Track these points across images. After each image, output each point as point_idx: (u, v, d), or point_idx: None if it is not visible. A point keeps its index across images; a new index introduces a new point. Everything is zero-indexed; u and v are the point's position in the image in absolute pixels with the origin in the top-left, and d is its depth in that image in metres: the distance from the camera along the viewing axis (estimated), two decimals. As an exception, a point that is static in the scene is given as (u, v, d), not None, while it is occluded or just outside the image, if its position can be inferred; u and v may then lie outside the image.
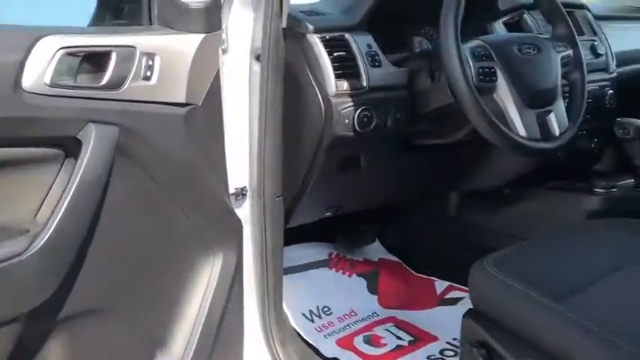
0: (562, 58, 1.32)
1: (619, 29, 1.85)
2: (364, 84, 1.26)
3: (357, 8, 1.33)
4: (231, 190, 1.22)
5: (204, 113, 1.10)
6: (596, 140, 1.68)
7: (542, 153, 1.24)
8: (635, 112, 1.75)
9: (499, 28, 1.52)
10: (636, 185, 1.58)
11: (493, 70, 1.20)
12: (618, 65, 1.73)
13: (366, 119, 1.26)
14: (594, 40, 1.66)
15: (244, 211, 1.26)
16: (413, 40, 1.28)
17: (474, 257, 1.73)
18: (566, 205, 1.58)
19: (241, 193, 1.26)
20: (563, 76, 1.32)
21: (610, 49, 1.72)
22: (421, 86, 1.33)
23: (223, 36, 1.13)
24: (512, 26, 1.56)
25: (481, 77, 1.19)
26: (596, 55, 1.64)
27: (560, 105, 1.29)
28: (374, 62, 1.29)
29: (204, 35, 1.07)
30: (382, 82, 1.29)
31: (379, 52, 1.30)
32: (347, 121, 1.25)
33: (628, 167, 1.61)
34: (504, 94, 1.21)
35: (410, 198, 1.71)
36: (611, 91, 1.66)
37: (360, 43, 1.29)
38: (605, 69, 1.67)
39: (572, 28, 1.37)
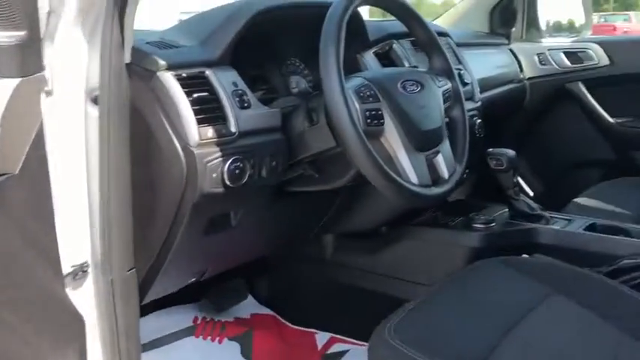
0: (443, 93, 1.23)
1: (472, 55, 1.85)
2: (233, 129, 1.06)
3: (218, 39, 1.12)
4: (67, 269, 0.95)
5: (23, 182, 0.83)
6: (467, 171, 1.64)
7: (435, 199, 1.13)
8: (495, 139, 1.75)
9: (370, 59, 1.40)
10: (511, 216, 1.55)
11: (380, 112, 1.07)
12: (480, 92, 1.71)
13: (237, 171, 1.06)
14: (460, 69, 1.61)
15: (86, 293, 0.99)
16: (289, 79, 1.10)
17: (355, 303, 1.61)
18: (446, 243, 1.50)
19: (81, 271, 0.99)
20: (445, 112, 1.23)
21: (473, 76, 1.70)
22: (298, 129, 1.15)
23: (47, 75, 0.86)
24: (382, 56, 1.45)
25: (368, 120, 1.05)
26: (464, 84, 1.59)
27: (447, 145, 1.20)
28: (242, 103, 1.09)
29: (19, 80, 0.79)
30: (254, 126, 1.10)
31: (247, 91, 1.11)
32: (215, 175, 1.04)
33: (502, 197, 1.58)
34: (393, 137, 1.08)
35: (284, 246, 1.53)
36: (479, 120, 1.62)
37: (224, 81, 1.08)
38: (472, 98, 1.63)
39: (449, 59, 1.29)
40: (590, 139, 2.13)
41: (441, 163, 1.16)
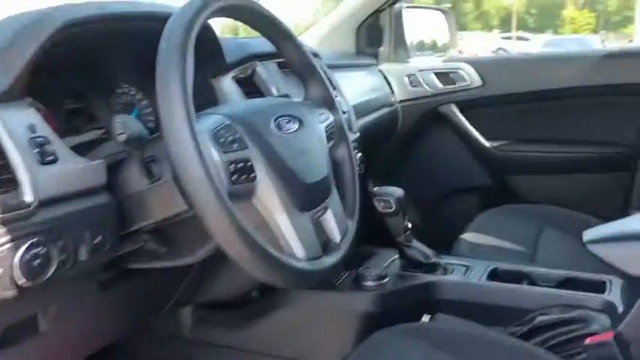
0: (326, 129, 0.96)
1: (343, 78, 1.61)
2: (28, 198, 0.70)
3: (7, 63, 0.75)
4: None
5: None
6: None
7: (327, 274, 0.85)
8: (369, 171, 1.53)
9: (229, 86, 1.10)
10: (403, 267, 1.33)
11: (250, 163, 0.77)
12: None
13: (38, 261, 0.70)
14: (335, 96, 1.36)
15: None
16: (113, 122, 0.76)
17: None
18: (333, 308, 1.23)
19: None
20: (329, 153, 0.96)
21: (348, 103, 1.46)
22: (132, 187, 0.81)
23: None
24: (243, 82, 1.16)
25: (234, 177, 0.75)
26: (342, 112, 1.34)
27: (335, 196, 0.93)
28: (44, 156, 0.73)
29: None
30: (62, 189, 0.74)
31: (51, 137, 0.75)
32: (0, 271, 0.67)
33: (389, 240, 1.35)
34: (268, 197, 0.78)
35: (122, 334, 1.16)
36: (360, 154, 1.38)
37: (15, 125, 0.72)
38: (350, 128, 1.38)
39: (328, 86, 1.03)
40: (466, 164, 2.00)
41: (331, 221, 0.89)
